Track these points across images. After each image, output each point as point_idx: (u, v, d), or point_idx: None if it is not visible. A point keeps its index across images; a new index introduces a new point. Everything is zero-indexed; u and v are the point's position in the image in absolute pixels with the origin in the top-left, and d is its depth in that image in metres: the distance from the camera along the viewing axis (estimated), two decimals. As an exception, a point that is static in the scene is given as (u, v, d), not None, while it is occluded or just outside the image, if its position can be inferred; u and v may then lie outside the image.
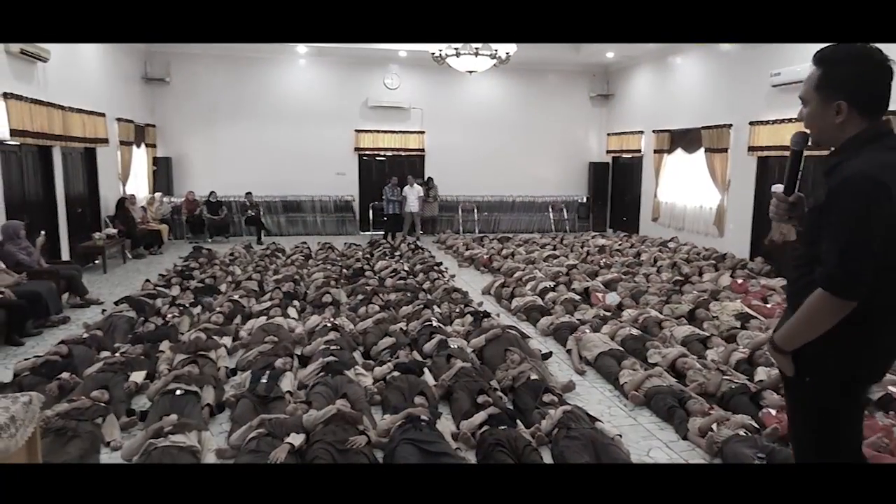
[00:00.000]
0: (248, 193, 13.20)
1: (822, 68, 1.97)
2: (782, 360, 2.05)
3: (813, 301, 1.89)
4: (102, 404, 4.16)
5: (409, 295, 7.59)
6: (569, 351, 5.88)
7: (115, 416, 4.14)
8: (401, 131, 14.48)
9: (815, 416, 2.07)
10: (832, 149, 2.03)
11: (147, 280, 8.12)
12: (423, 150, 14.71)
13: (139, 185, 12.34)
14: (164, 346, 5.55)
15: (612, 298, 7.45)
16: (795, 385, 2.09)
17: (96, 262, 9.58)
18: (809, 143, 2.12)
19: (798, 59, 8.98)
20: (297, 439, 3.70)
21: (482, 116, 14.77)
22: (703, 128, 11.09)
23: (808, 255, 1.99)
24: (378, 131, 14.38)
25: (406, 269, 9.36)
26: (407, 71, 14.29)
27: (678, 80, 12.50)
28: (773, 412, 4.05)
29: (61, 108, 8.51)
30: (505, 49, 9.19)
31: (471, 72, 10.15)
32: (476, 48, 9.17)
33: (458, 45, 9.25)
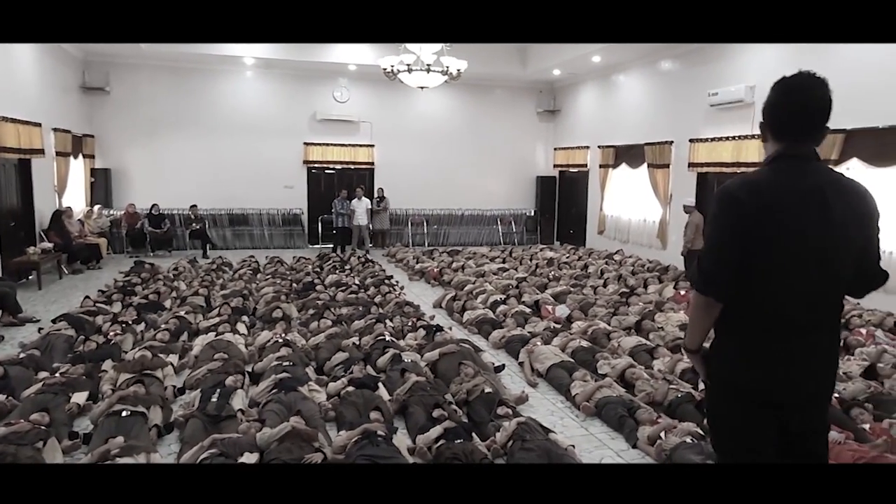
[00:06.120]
0: (193, 206, 12.88)
1: None
2: (695, 361, 2.25)
3: (691, 299, 2.14)
4: (43, 427, 3.98)
5: (360, 309, 7.55)
6: (521, 363, 5.97)
7: (56, 440, 3.95)
8: (350, 144, 14.44)
9: (716, 421, 2.23)
10: None
11: (87, 297, 7.79)
12: (372, 163, 14.70)
13: (76, 198, 11.88)
14: (107, 365, 5.36)
15: (562, 311, 7.59)
16: (707, 389, 2.28)
17: (30, 277, 9.16)
18: None
19: (734, 80, 9.41)
20: (251, 459, 3.65)
21: (431, 130, 14.89)
22: (646, 144, 11.48)
23: None
24: (327, 144, 14.29)
25: (357, 282, 9.30)
26: (356, 84, 14.28)
27: (622, 98, 12.91)
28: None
29: (-6, 117, 8.15)
30: (456, 65, 9.30)
31: (422, 87, 10.22)
32: (428, 64, 9.25)
33: (410, 61, 9.30)
